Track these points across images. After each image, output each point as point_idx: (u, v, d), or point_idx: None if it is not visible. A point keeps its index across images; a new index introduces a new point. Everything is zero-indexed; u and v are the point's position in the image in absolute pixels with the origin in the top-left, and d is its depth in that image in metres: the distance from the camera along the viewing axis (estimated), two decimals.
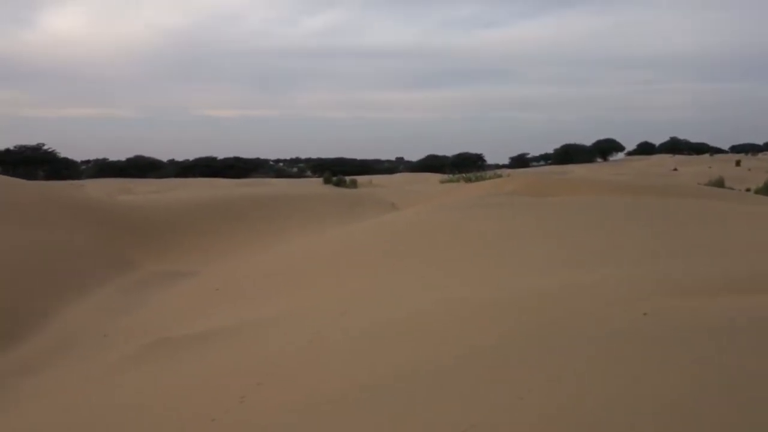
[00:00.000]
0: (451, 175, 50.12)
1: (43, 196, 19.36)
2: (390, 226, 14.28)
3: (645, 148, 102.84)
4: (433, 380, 4.13)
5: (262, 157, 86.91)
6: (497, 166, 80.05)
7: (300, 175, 73.24)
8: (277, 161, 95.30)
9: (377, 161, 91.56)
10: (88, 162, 78.74)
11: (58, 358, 8.86)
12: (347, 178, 36.52)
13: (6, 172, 57.09)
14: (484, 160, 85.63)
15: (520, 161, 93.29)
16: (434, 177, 52.09)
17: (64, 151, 76.70)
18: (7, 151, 66.15)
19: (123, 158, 73.25)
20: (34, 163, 64.96)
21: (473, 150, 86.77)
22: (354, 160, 79.89)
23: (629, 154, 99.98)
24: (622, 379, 3.49)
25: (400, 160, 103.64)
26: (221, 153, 78.88)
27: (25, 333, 10.30)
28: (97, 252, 16.48)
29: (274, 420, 4.25)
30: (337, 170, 49.87)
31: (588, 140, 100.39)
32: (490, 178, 35.57)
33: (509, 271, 8.19)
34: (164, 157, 79.48)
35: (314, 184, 36.29)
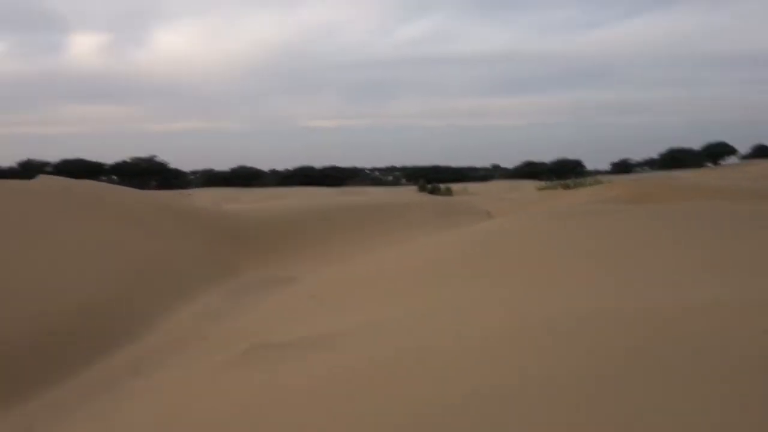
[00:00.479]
0: (548, 182, 48.98)
1: (155, 205, 20.44)
2: (484, 235, 14.08)
3: (762, 152, 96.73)
4: (533, 399, 4.01)
5: (359, 166, 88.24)
6: (597, 173, 77.51)
7: (395, 183, 73.74)
8: (373, 170, 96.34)
9: (472, 168, 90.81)
10: (196, 172, 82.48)
11: (162, 361, 9.28)
12: (442, 186, 36.42)
13: (122, 182, 60.82)
14: (584, 166, 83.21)
15: (623, 167, 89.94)
16: (531, 184, 51.10)
17: (174, 162, 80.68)
18: (124, 162, 70.44)
19: (227, 168, 76.36)
20: (148, 173, 68.86)
21: (572, 156, 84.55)
22: (449, 168, 79.64)
23: (744, 158, 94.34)
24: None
25: (495, 167, 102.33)
26: (319, 162, 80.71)
27: (136, 335, 10.88)
28: (203, 258, 17.21)
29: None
30: (432, 178, 49.83)
31: (696, 144, 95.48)
32: (590, 184, 34.48)
33: (610, 285, 7.86)
34: (266, 167, 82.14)
35: (409, 192, 36.44)
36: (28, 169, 61.13)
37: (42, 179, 26.76)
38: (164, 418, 6.33)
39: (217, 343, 9.68)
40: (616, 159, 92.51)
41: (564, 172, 72.29)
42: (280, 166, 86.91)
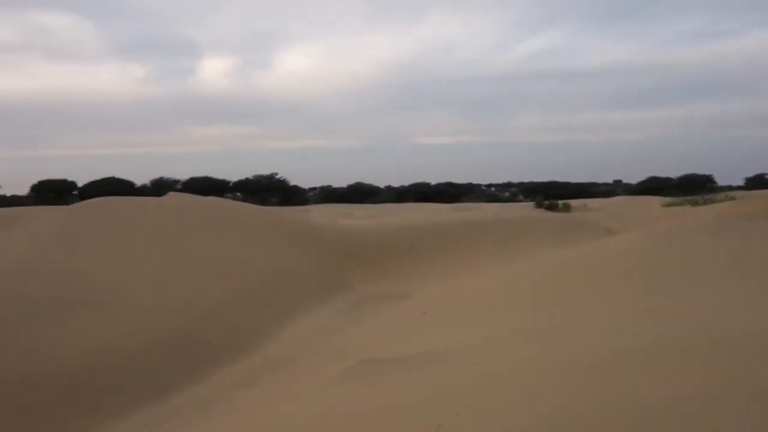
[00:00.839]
0: (674, 198, 46.46)
1: (275, 222, 21.19)
2: (602, 253, 13.49)
3: None
4: (636, 423, 3.74)
5: (474, 182, 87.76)
6: (730, 188, 72.67)
7: (512, 199, 72.59)
8: (489, 186, 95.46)
9: (593, 184, 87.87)
10: (314, 189, 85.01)
11: (275, 373, 9.51)
12: (560, 202, 35.39)
13: (245, 199, 63.63)
14: (714, 182, 78.26)
15: (759, 182, 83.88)
16: (655, 200, 48.60)
17: (294, 179, 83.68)
18: (246, 180, 73.69)
19: (345, 185, 78.20)
20: (269, 190, 71.67)
21: (701, 171, 79.77)
22: (568, 184, 77.48)
23: None
24: None
25: (617, 182, 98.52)
26: (434, 179, 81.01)
27: (250, 348, 11.25)
28: (319, 274, 17.59)
29: None
30: (550, 194, 48.61)
31: None
32: (720, 200, 32.35)
33: (738, 307, 7.27)
34: (381, 184, 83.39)
35: (525, 208, 35.69)
36: (160, 187, 65.35)
37: (171, 196, 28.42)
38: (273, 427, 6.46)
39: (329, 356, 9.81)
40: (750, 174, 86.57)
41: (691, 187, 68.39)
42: (396, 183, 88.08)
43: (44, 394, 8.60)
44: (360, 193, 72.56)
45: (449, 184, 77.42)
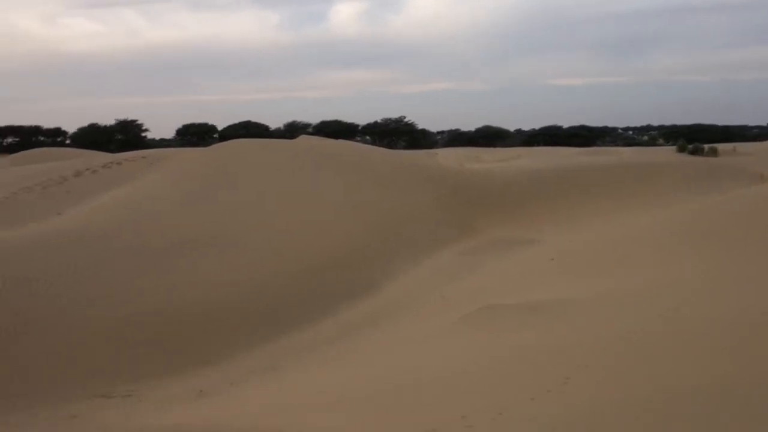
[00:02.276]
0: None
1: (401, 165, 21.21)
2: (752, 201, 12.37)
3: None
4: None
5: (610, 125, 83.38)
6: None
7: (651, 143, 68.46)
8: (626, 129, 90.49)
9: (743, 127, 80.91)
10: (442, 132, 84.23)
11: (396, 315, 9.57)
12: (705, 146, 32.85)
13: (373, 142, 64.33)
14: None
15: None
16: None
17: (422, 123, 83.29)
18: (375, 123, 74.31)
19: (473, 128, 76.92)
20: (396, 134, 71.93)
21: None
22: (714, 127, 71.82)
23: None
24: None
25: None
26: (567, 122, 77.71)
27: (373, 289, 11.39)
28: (444, 217, 17.48)
29: (594, 410, 3.90)
30: (694, 137, 45.32)
31: None
32: None
33: None
34: (511, 127, 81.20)
35: (666, 153, 33.50)
36: (293, 130, 67.29)
37: (302, 139, 29.15)
38: (395, 370, 6.48)
39: (451, 301, 9.74)
40: None
41: None
42: (526, 126, 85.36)
43: (180, 326, 9.17)
44: (488, 137, 71.16)
45: (582, 127, 74.08)
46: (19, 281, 9.36)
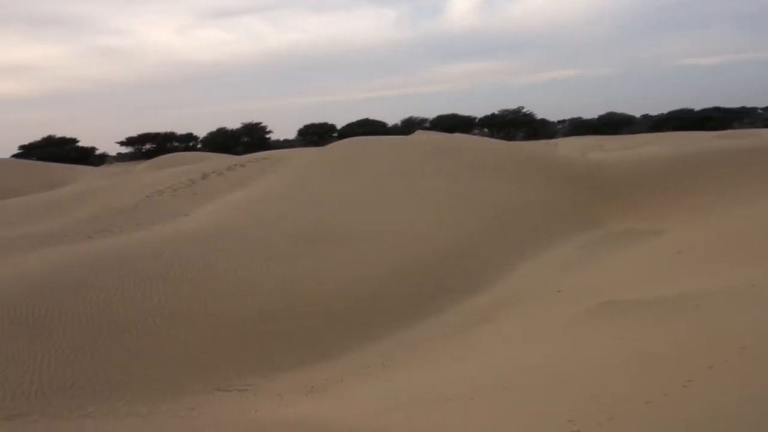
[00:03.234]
0: None
1: (518, 156, 20.71)
2: None
3: None
4: None
5: (748, 105, 77.44)
6: None
7: None
8: (767, 109, 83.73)
9: None
10: (563, 121, 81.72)
11: (513, 310, 9.31)
12: None
13: (491, 135, 63.49)
14: None
15: None
16: None
17: (541, 113, 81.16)
18: (492, 115, 73.33)
19: (595, 116, 74.03)
20: (514, 125, 70.64)
21: None
22: None
23: None
24: None
25: None
26: (699, 104, 73.06)
27: (491, 281, 11.16)
28: (562, 209, 16.88)
29: (717, 417, 3.55)
30: None
31: None
32: None
33: None
34: (637, 113, 77.35)
35: None
36: (409, 126, 67.86)
37: (417, 134, 29.22)
38: (505, 368, 6.29)
39: (570, 296, 9.35)
40: None
41: None
42: (654, 111, 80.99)
43: (297, 323, 9.37)
44: (612, 124, 68.24)
45: (716, 109, 69.34)
46: (150, 279, 9.94)
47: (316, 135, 70.38)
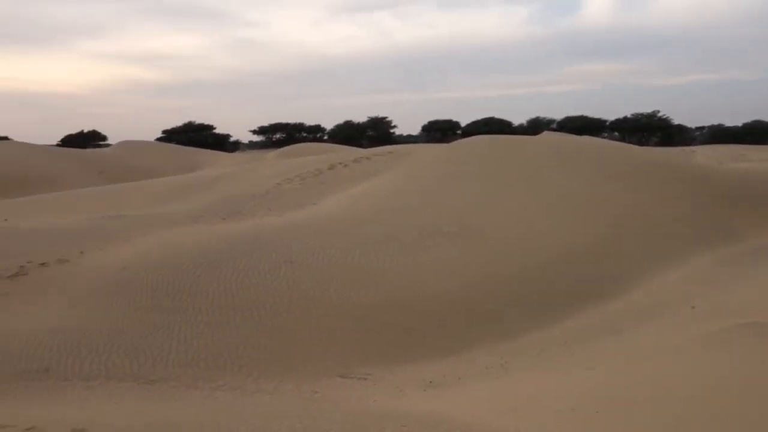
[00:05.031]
0: None
1: (650, 162, 19.75)
2: None
3: None
4: None
5: None
6: None
7: None
8: None
9: None
10: (701, 128, 77.10)
11: (641, 323, 8.90)
12: None
13: (622, 139, 60.87)
14: None
15: None
16: None
17: (678, 118, 77.00)
18: (624, 118, 70.33)
19: (739, 123, 69.30)
20: (648, 129, 67.41)
21: None
22: None
23: None
24: None
25: None
26: None
27: (615, 292, 10.72)
28: (697, 220, 15.94)
29: None
30: None
31: None
32: None
33: None
34: None
35: None
36: (536, 126, 66.33)
37: (544, 134, 28.52)
38: (630, 382, 6.03)
39: (705, 313, 8.82)
40: None
41: None
42: None
43: (417, 316, 9.44)
44: (757, 133, 63.55)
45: None
46: (279, 263, 10.35)
47: (439, 132, 70.52)
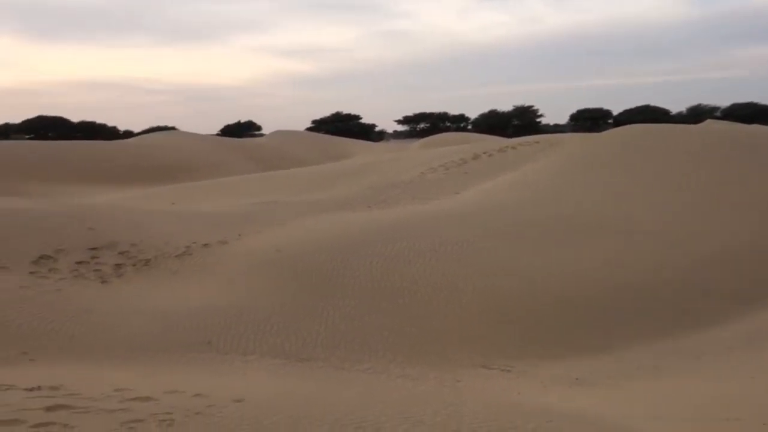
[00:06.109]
0: None
1: None
2: None
3: None
4: None
5: None
6: None
7: None
8: None
9: None
10: None
11: None
12: None
13: None
14: None
15: None
16: None
17: None
18: None
19: None
20: None
21: None
22: None
23: None
24: None
25: None
26: None
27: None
28: None
29: None
30: None
31: None
32: None
33: None
34: None
35: None
36: (696, 114, 61.89)
37: (707, 123, 26.64)
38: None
39: None
40: None
41: None
42: None
43: (564, 310, 9.18)
44: None
45: None
46: (423, 251, 10.47)
47: (589, 121, 67.87)
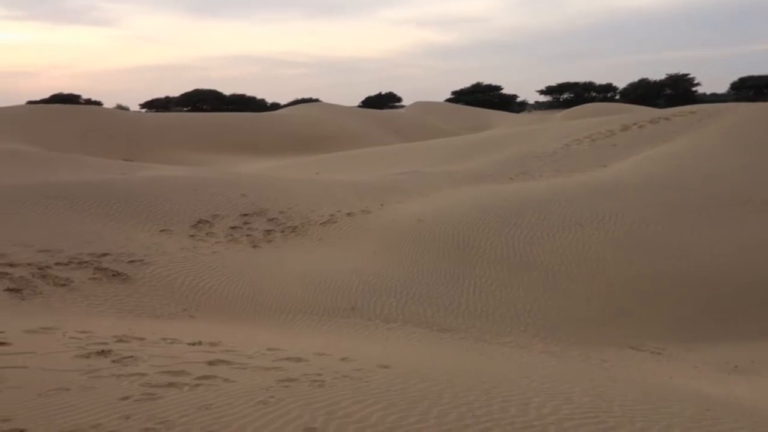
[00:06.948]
0: None
1: None
2: None
3: None
4: None
5: None
6: None
7: None
8: None
9: None
10: None
11: None
12: None
13: None
14: None
15: None
16: None
17: None
18: None
19: None
20: None
21: None
22: None
23: None
24: None
25: None
26: None
27: None
28: None
29: None
30: None
31: None
32: None
33: None
34: None
35: None
36: None
37: None
38: None
39: None
40: None
41: None
42: None
43: (719, 293, 8.57)
44: None
45: None
46: (568, 225, 10.14)
47: (753, 89, 62.34)
